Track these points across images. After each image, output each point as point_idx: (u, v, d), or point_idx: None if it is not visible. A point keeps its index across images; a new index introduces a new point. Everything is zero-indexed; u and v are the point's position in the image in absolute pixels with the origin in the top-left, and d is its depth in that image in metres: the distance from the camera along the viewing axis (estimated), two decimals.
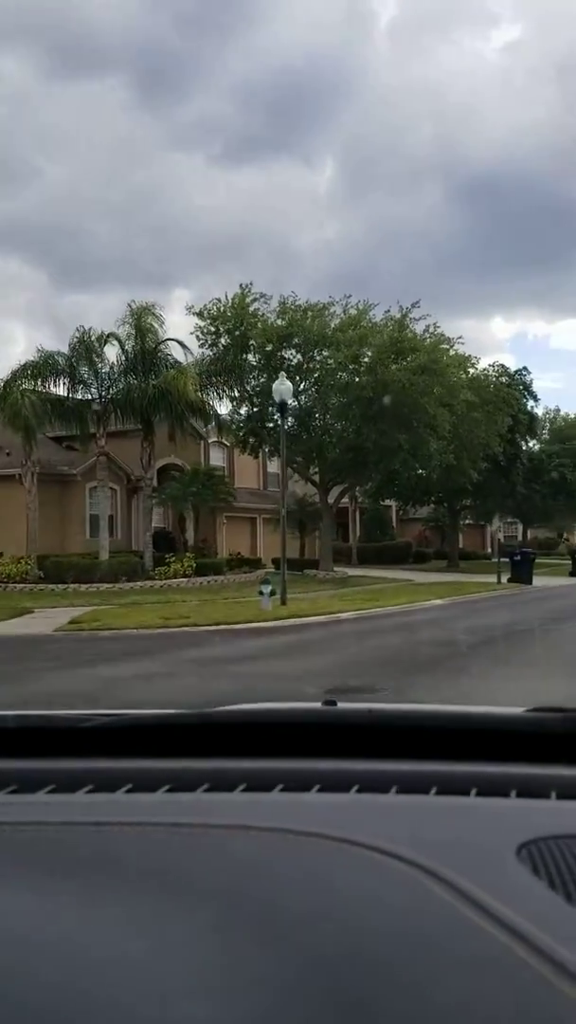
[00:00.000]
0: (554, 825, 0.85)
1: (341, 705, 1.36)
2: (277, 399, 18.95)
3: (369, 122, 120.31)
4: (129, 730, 1.18)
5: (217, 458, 37.67)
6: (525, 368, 40.47)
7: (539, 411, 42.96)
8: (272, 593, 18.08)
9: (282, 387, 18.81)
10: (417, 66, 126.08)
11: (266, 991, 0.59)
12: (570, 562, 39.53)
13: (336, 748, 1.09)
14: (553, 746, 1.07)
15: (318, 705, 1.40)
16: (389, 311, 28.69)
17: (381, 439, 27.49)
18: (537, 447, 44.18)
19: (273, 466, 38.28)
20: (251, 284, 28.57)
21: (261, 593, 18.01)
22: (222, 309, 28.79)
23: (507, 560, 29.95)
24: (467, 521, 49.60)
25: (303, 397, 30.37)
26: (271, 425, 31.65)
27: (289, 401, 30.96)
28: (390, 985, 0.61)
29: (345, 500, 42.32)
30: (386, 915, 0.70)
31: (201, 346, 28.94)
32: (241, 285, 28.60)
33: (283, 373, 20.02)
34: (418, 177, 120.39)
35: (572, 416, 50.54)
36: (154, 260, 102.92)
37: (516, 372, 39.42)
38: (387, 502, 44.34)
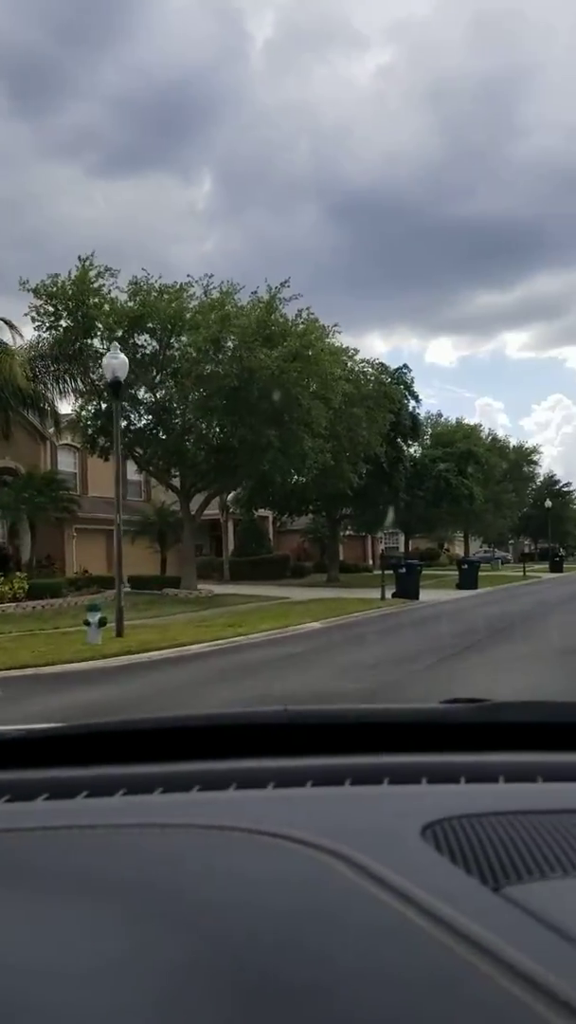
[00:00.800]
0: (460, 806, 0.88)
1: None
2: (109, 376, 14.96)
3: (246, 139, 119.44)
4: (45, 741, 1.17)
5: (67, 463, 33.20)
6: (406, 366, 37.63)
7: (421, 413, 40.39)
8: (103, 623, 14.04)
9: (114, 361, 14.85)
10: (293, 86, 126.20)
11: (176, 975, 0.62)
12: (456, 573, 37.09)
13: (253, 748, 1.10)
14: (465, 735, 1.11)
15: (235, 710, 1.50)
16: (256, 292, 25.14)
17: (249, 435, 23.83)
18: (419, 452, 41.66)
19: (134, 472, 34.15)
20: (93, 255, 24.33)
21: (87, 623, 13.94)
22: (61, 285, 24.45)
23: (391, 572, 26.83)
24: (347, 532, 46.67)
25: (160, 391, 26.50)
26: (125, 424, 27.56)
27: (143, 395, 27.22)
28: (295, 958, 0.63)
29: (216, 511, 38.63)
30: (292, 896, 0.73)
31: (37, 328, 24.53)
32: (81, 257, 24.31)
33: (116, 344, 16.07)
34: (296, 195, 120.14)
35: (454, 422, 48.65)
36: (26, 271, 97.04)
37: (396, 370, 36.63)
38: (262, 512, 40.75)
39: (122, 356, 15.29)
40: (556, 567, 56.26)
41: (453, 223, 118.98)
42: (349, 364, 28.07)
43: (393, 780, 0.97)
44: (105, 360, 15.34)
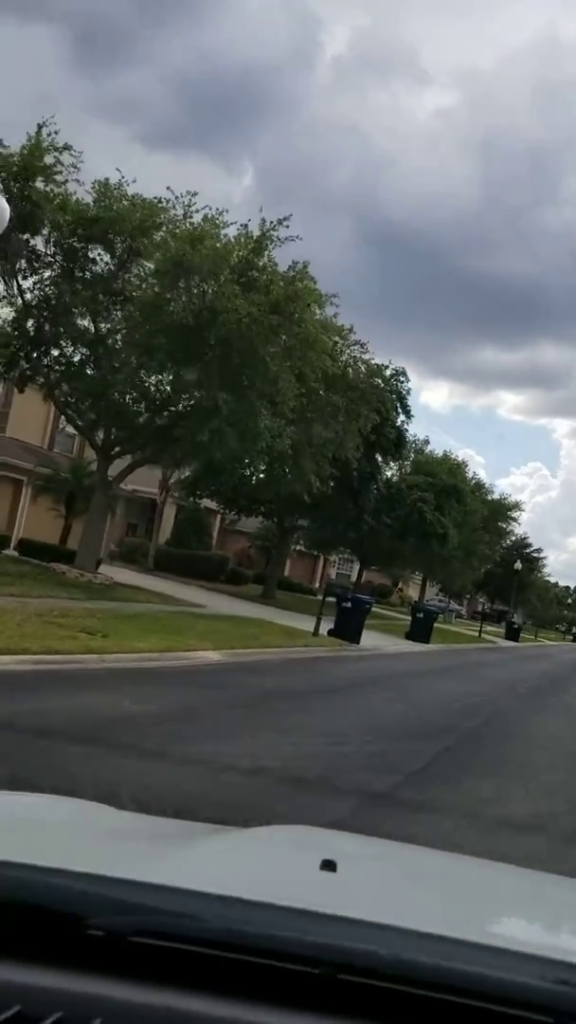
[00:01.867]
0: None
1: (344, 891, 1.12)
2: None
3: (295, 146, 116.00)
4: None
5: None
6: (404, 373, 32.62)
7: (409, 430, 35.45)
8: None
9: None
10: (350, 106, 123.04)
11: None
12: (407, 619, 32.21)
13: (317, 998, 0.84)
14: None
15: (315, 871, 1.14)
16: (247, 226, 19.96)
17: (199, 395, 18.72)
18: (396, 476, 36.73)
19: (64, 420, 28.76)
20: (55, 123, 19.02)
21: None
22: (6, 159, 19.14)
23: (333, 601, 21.81)
24: (299, 546, 41.58)
25: (105, 322, 21.26)
26: (56, 354, 22.23)
27: (84, 323, 21.99)
28: None
29: (155, 489, 33.41)
30: None
31: None
32: (41, 124, 18.99)
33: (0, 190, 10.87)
34: (332, 211, 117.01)
35: (440, 453, 43.83)
36: None
37: (392, 376, 31.66)
38: (208, 502, 35.52)
39: (2, 202, 10.09)
40: (513, 635, 51.81)
41: (473, 274, 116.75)
42: (340, 343, 23.01)
43: None
44: None
